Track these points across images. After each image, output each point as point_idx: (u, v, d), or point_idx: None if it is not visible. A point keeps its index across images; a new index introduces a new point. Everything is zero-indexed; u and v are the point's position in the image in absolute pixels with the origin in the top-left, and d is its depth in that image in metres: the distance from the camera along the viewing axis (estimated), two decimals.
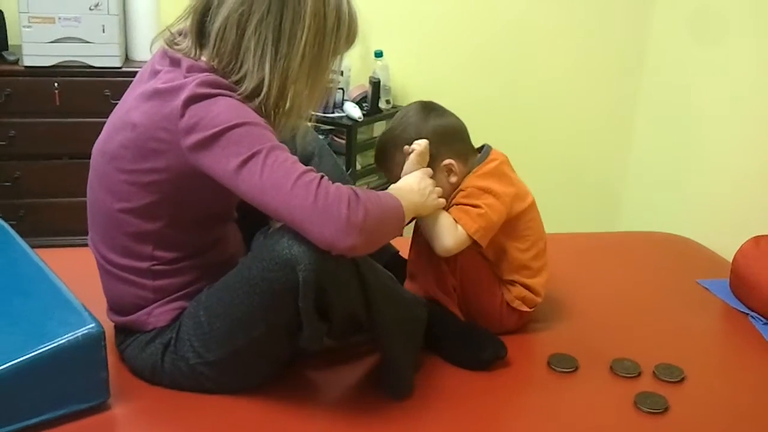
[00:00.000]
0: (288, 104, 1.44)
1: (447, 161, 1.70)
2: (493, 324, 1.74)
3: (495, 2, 3.21)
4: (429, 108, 1.75)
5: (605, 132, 3.34)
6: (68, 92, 2.77)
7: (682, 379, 1.66)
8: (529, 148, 3.33)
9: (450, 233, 1.64)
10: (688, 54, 2.85)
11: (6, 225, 1.80)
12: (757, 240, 2.06)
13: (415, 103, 1.78)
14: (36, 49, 2.72)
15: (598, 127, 3.33)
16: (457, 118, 1.77)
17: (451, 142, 1.73)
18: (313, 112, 1.54)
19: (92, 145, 2.86)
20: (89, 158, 2.94)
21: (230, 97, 1.38)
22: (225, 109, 1.35)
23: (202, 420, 1.45)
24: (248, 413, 1.46)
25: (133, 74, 2.73)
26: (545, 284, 1.81)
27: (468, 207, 1.67)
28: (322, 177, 1.35)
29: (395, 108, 3.23)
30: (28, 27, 2.70)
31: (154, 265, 1.48)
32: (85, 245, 1.60)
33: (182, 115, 1.34)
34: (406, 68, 3.27)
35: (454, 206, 1.69)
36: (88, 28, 2.74)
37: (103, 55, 2.78)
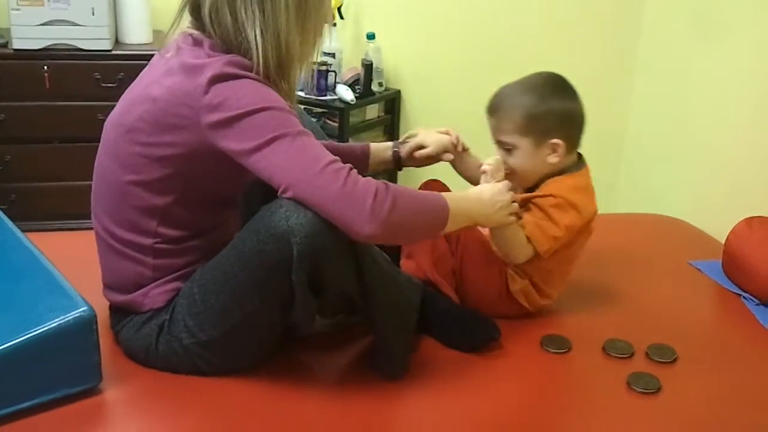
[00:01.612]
0: (287, 59, 1.44)
1: (557, 140, 1.70)
2: (488, 308, 1.74)
3: None
4: (562, 85, 1.76)
5: (599, 115, 3.32)
6: (58, 75, 2.75)
7: (675, 360, 1.67)
8: None
9: (520, 250, 1.67)
10: (682, 41, 2.85)
11: None
12: (750, 221, 2.07)
13: (551, 74, 1.78)
14: (25, 32, 2.70)
15: (593, 109, 3.31)
16: (582, 106, 1.78)
17: (569, 126, 1.74)
18: (314, 58, 1.54)
19: (83, 128, 2.87)
20: (80, 141, 2.95)
21: (255, 80, 1.39)
22: (250, 92, 1.37)
23: (194, 403, 1.45)
24: (242, 396, 1.46)
25: (123, 57, 2.78)
26: (556, 294, 1.80)
27: (547, 225, 1.67)
28: (351, 168, 1.37)
29: (387, 90, 3.22)
30: (17, 10, 2.67)
31: (156, 242, 1.48)
32: (76, 229, 1.59)
33: (206, 92, 1.36)
34: (399, 50, 3.25)
35: (535, 215, 1.68)
36: (78, 11, 2.71)
37: (93, 38, 2.75)
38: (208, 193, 1.48)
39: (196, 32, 1.46)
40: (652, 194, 3.02)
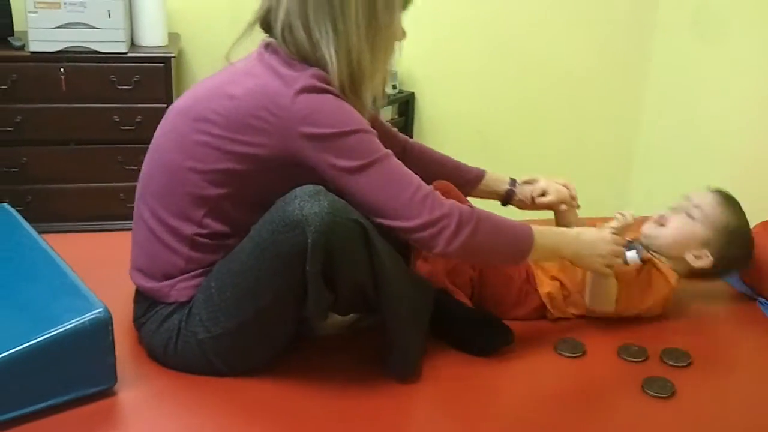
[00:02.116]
0: (359, 75, 1.47)
1: (705, 252, 1.78)
2: (506, 311, 1.75)
3: None
4: (731, 203, 1.85)
5: (612, 118, 3.34)
6: (74, 78, 2.77)
7: (689, 364, 1.66)
8: (537, 134, 3.34)
9: (601, 302, 1.72)
10: (694, 43, 2.84)
11: (13, 210, 1.81)
12: (766, 224, 2.05)
13: (722, 192, 1.87)
14: (42, 35, 2.71)
15: (606, 112, 3.33)
16: (749, 232, 1.86)
17: (726, 245, 1.81)
18: (385, 74, 1.57)
19: (99, 131, 2.89)
20: (96, 144, 2.97)
21: (339, 97, 1.43)
22: (338, 110, 1.42)
23: (209, 404, 1.45)
24: (255, 396, 1.47)
25: (139, 59, 2.81)
26: (581, 310, 1.81)
27: (638, 296, 1.74)
28: (434, 192, 1.46)
29: (401, 93, 3.22)
30: (34, 12, 2.69)
31: (197, 233, 1.49)
32: (91, 231, 1.61)
33: (294, 102, 1.39)
34: (413, 53, 3.24)
35: (639, 279, 1.75)
36: (94, 13, 2.72)
37: (109, 40, 2.77)
38: (260, 193, 1.48)
39: (273, 42, 1.49)
40: (664, 197, 3.01)
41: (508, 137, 3.27)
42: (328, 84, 1.43)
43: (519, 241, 1.54)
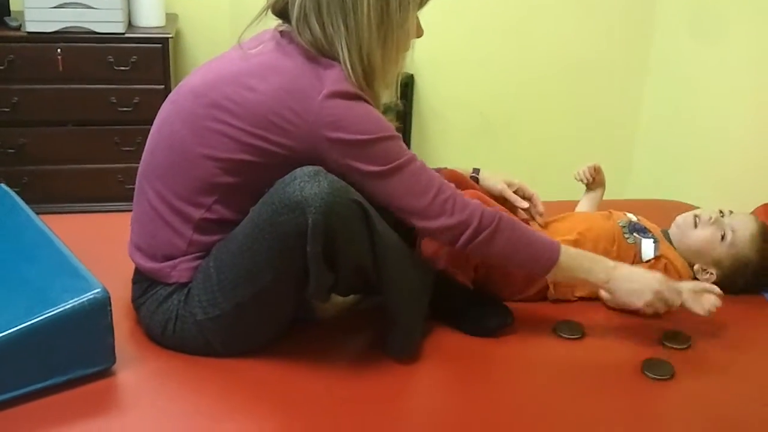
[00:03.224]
0: (370, 72, 1.47)
1: (713, 270, 1.83)
2: (512, 292, 1.75)
3: None
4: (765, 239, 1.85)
5: (614, 102, 3.32)
6: (71, 58, 2.75)
7: (689, 346, 1.66)
8: (538, 117, 3.33)
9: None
10: (694, 32, 2.84)
11: (11, 192, 1.80)
12: (766, 207, 2.05)
13: (763, 226, 1.87)
14: (38, 15, 2.70)
15: (607, 98, 3.32)
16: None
17: (735, 274, 1.83)
18: (396, 72, 1.57)
19: (96, 112, 2.87)
20: (93, 125, 2.95)
21: (366, 102, 1.44)
22: (365, 117, 1.43)
23: (207, 385, 1.45)
24: (254, 377, 1.47)
25: (136, 40, 2.79)
26: (584, 292, 1.80)
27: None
28: (457, 193, 1.49)
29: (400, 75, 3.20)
30: None
31: (204, 218, 1.48)
32: (89, 212, 1.60)
33: (323, 106, 1.40)
34: (416, 52, 3.24)
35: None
36: None
37: (106, 21, 2.75)
38: (274, 183, 1.46)
39: (287, 30, 1.48)
40: (665, 180, 3.01)
41: (508, 119, 3.27)
42: (353, 85, 1.43)
43: (540, 257, 1.55)
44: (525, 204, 1.85)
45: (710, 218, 1.83)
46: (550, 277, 1.64)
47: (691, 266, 1.85)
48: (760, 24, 2.46)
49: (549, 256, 1.55)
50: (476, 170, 1.89)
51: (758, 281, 1.86)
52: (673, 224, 1.90)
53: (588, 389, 1.52)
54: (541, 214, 1.86)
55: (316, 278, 1.41)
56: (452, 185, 1.51)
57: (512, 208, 1.85)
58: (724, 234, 1.82)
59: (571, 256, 1.57)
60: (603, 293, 1.72)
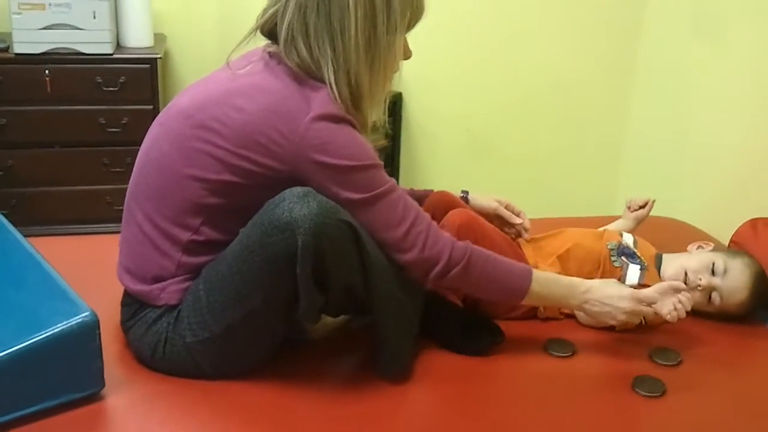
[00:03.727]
0: (358, 95, 1.47)
1: (718, 298, 1.80)
2: (502, 311, 1.74)
3: None
4: (757, 293, 1.83)
5: (601, 117, 3.34)
6: (60, 79, 2.74)
7: (680, 363, 1.66)
8: (525, 134, 3.34)
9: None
10: (682, 42, 2.85)
11: None
12: (754, 223, 2.06)
13: (759, 277, 1.83)
14: (26, 36, 2.69)
15: (594, 112, 3.33)
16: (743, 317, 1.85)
17: (739, 300, 1.81)
18: (383, 95, 1.57)
19: (84, 133, 2.86)
20: (81, 146, 2.94)
21: (352, 126, 1.45)
22: (351, 143, 1.44)
23: (197, 408, 1.44)
24: (244, 400, 1.46)
25: (125, 60, 2.78)
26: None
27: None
28: (431, 225, 1.50)
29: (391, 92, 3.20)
30: (18, 14, 2.66)
31: (192, 240, 1.47)
32: (77, 233, 1.59)
33: (309, 128, 1.39)
34: (404, 70, 3.25)
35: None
36: (79, 15, 2.70)
37: (95, 41, 2.75)
38: (262, 205, 1.45)
39: (276, 51, 1.48)
40: (654, 196, 3.02)
41: (496, 137, 3.27)
42: (340, 107, 1.43)
43: (513, 286, 1.57)
44: (519, 220, 1.86)
45: (698, 286, 1.79)
46: (525, 303, 1.63)
47: None
48: (753, 36, 2.48)
49: (520, 286, 1.56)
50: (465, 192, 1.90)
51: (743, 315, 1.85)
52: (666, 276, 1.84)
53: (579, 407, 1.52)
54: (527, 230, 1.87)
55: (306, 299, 1.41)
56: (428, 217, 1.52)
57: (500, 226, 1.85)
58: (716, 271, 1.80)
59: (542, 284, 1.58)
60: (578, 313, 1.74)
